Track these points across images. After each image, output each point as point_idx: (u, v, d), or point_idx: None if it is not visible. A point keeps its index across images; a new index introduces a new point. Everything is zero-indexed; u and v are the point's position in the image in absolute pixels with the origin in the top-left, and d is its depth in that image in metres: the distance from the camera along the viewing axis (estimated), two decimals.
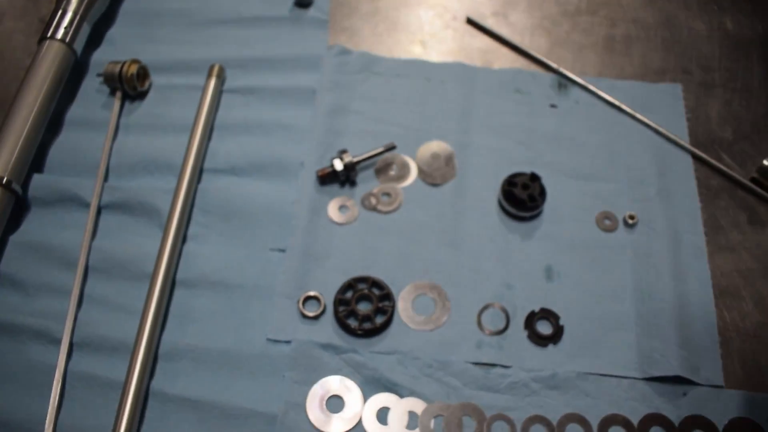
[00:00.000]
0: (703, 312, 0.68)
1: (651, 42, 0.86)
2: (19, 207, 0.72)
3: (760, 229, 0.74)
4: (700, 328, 0.67)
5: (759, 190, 0.75)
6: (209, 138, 0.77)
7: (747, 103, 0.82)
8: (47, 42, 0.77)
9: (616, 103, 0.80)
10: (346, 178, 0.73)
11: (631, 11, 0.88)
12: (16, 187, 0.70)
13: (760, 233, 0.73)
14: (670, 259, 0.71)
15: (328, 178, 0.73)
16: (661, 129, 0.78)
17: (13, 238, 0.71)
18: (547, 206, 0.73)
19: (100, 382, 0.63)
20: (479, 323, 0.67)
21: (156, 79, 0.81)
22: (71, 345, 0.65)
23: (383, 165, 0.75)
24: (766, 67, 0.84)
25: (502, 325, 0.67)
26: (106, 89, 0.80)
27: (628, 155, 0.77)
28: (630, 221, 0.72)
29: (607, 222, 0.73)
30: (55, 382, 0.62)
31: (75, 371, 0.64)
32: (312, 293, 0.67)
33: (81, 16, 0.79)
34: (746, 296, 0.70)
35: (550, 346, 0.66)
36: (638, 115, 0.79)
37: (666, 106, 0.81)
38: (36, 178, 0.74)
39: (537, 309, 0.67)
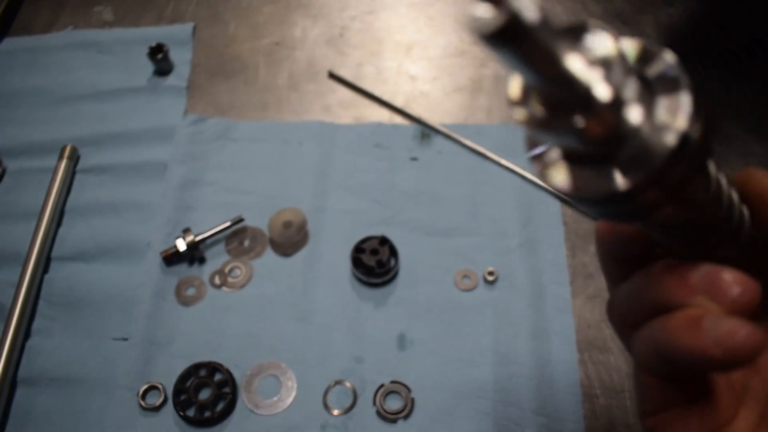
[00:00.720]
0: (565, 370, 0.65)
1: None
2: None
3: None
4: (562, 388, 0.64)
5: None
6: (59, 224, 0.75)
7: None
8: None
9: (480, 149, 0.77)
10: (193, 257, 0.71)
11: None
12: None
13: None
14: (530, 315, 0.68)
15: (173, 259, 0.71)
16: (526, 174, 0.75)
17: None
18: (403, 268, 0.70)
19: None
20: (325, 403, 0.64)
21: (11, 164, 0.80)
22: None
23: (234, 239, 0.73)
24: None
25: (348, 403, 0.64)
26: None
27: (492, 205, 0.74)
28: (489, 278, 0.69)
29: (466, 280, 0.70)
30: None
31: None
32: (153, 383, 0.65)
33: None
34: (613, 347, 0.67)
35: (401, 422, 0.63)
36: (503, 161, 0.76)
37: None
38: None
39: (387, 382, 0.65)
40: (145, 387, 0.65)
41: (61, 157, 0.77)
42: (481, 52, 0.85)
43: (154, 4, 0.92)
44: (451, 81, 0.83)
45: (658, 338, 0.29)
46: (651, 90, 0.24)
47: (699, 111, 0.24)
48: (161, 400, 0.64)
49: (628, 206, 0.24)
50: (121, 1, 0.93)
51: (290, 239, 0.72)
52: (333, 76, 0.83)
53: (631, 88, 0.23)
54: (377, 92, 0.82)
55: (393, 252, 0.69)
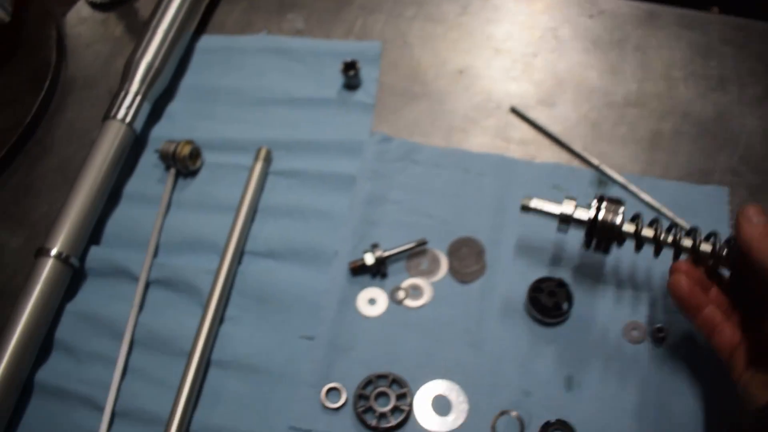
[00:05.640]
0: None
1: (700, 139, 0.84)
2: (77, 277, 0.79)
3: None
4: None
5: None
6: (252, 220, 0.81)
7: None
8: (110, 122, 0.83)
9: (656, 205, 0.79)
10: (377, 270, 0.76)
11: (683, 105, 0.87)
12: (74, 260, 0.76)
13: None
14: (696, 378, 0.70)
15: (359, 270, 0.76)
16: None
17: (69, 307, 0.77)
18: (575, 311, 0.73)
19: None
20: (494, 429, 0.68)
21: (208, 157, 0.86)
22: (113, 414, 0.71)
23: (414, 258, 0.77)
24: None
25: None
26: (162, 164, 0.85)
27: (666, 263, 0.76)
28: (658, 334, 0.72)
29: (635, 333, 0.72)
30: None
31: None
32: (335, 385, 0.70)
33: (142, 96, 0.85)
34: None
35: None
36: (678, 220, 0.78)
37: (710, 210, 0.79)
38: (93, 250, 0.80)
39: (553, 419, 0.68)
40: (327, 387, 0.70)
41: (257, 158, 0.83)
42: (660, 104, 0.87)
43: (344, 18, 0.97)
44: (630, 131, 0.85)
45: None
46: None
47: None
48: (342, 402, 0.69)
49: None
50: (313, 11, 0.98)
51: (468, 267, 0.76)
52: (515, 112, 0.86)
53: None
54: (555, 133, 0.84)
55: (569, 296, 0.73)
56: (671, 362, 0.71)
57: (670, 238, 0.67)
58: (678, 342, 0.72)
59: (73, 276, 0.77)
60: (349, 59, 0.88)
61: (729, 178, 0.82)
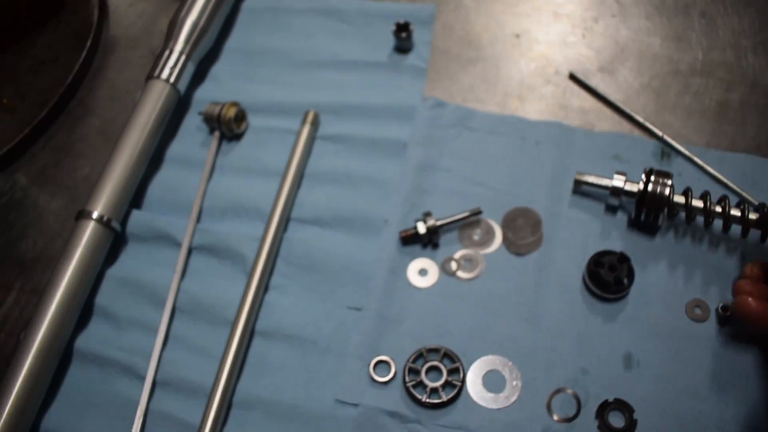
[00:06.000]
0: None
1: None
2: (118, 242, 0.77)
3: None
4: None
5: None
6: (298, 186, 0.78)
7: None
8: (153, 81, 0.80)
9: (723, 179, 0.75)
10: (429, 240, 0.73)
11: (752, 74, 0.82)
12: (115, 224, 0.74)
13: None
14: (762, 359, 0.66)
15: (410, 240, 0.73)
16: None
17: (110, 272, 0.75)
18: (635, 287, 0.70)
19: (178, 423, 0.67)
20: (549, 407, 0.65)
21: (252, 120, 0.83)
22: (154, 383, 0.69)
23: (467, 229, 0.74)
24: None
25: (572, 413, 0.65)
26: (205, 127, 0.83)
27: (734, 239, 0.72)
28: (722, 312, 0.68)
29: (698, 311, 0.69)
30: (136, 419, 0.66)
31: (155, 409, 0.68)
32: (383, 358, 0.68)
33: (186, 56, 0.82)
34: None
35: None
36: (746, 194, 0.74)
37: None
38: (134, 214, 0.78)
39: (611, 399, 0.65)
40: (376, 360, 0.68)
41: (304, 122, 0.80)
42: (728, 74, 0.82)
43: None
44: (695, 101, 0.81)
45: None
46: None
47: None
48: (391, 375, 0.67)
49: None
50: None
51: (524, 239, 0.73)
52: (574, 79, 0.82)
53: None
54: (616, 101, 0.80)
55: (630, 271, 0.69)
56: (735, 342, 0.67)
57: (718, 209, 0.68)
58: (742, 323, 0.68)
59: (114, 240, 0.76)
60: (401, 21, 0.84)
61: None
